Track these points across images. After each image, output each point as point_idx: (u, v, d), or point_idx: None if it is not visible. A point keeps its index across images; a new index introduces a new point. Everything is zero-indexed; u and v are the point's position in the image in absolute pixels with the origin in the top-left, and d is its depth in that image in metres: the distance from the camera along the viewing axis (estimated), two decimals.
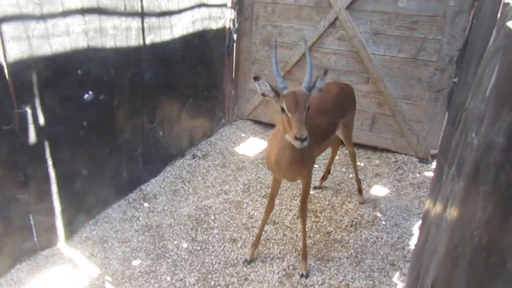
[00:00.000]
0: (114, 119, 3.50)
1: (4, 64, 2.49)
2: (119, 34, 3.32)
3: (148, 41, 3.66)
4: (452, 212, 1.36)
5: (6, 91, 2.53)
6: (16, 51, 2.54)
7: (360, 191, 3.88)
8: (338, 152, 4.79)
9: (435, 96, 4.32)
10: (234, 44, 5.18)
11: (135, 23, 3.47)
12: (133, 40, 3.49)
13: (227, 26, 4.95)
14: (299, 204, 3.08)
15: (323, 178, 4.12)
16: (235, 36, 5.08)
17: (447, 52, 4.13)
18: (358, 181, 3.87)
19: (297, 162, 2.70)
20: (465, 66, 2.81)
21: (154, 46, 3.76)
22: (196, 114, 4.75)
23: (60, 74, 2.88)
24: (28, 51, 2.62)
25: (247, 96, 5.51)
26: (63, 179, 3.09)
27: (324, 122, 3.09)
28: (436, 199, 2.40)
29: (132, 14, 3.41)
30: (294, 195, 3.96)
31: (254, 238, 3.21)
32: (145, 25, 3.58)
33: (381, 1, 4.31)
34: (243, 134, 5.31)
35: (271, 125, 5.41)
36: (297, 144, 2.34)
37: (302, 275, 3.01)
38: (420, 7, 4.15)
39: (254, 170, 4.42)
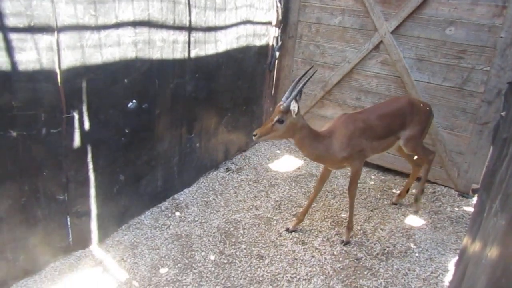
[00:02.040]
0: (155, 128, 3.60)
1: (58, 71, 2.62)
2: (166, 46, 3.43)
3: (193, 55, 3.76)
4: (495, 247, 1.31)
5: (57, 97, 2.66)
6: (70, 59, 2.67)
7: (419, 195, 3.98)
8: (373, 177, 4.73)
9: (480, 128, 4.17)
10: (276, 62, 5.22)
11: (182, 36, 3.57)
12: (179, 53, 3.59)
13: (270, 44, 5.01)
14: (348, 184, 3.55)
15: (400, 195, 4.22)
16: (277, 53, 5.13)
17: (495, 84, 3.99)
18: (423, 183, 3.97)
19: (326, 153, 3.24)
20: None
21: (198, 60, 3.86)
22: (233, 128, 4.81)
23: (108, 82, 3.01)
24: (81, 59, 2.75)
25: None
26: (101, 183, 3.20)
27: (379, 125, 3.45)
28: (475, 235, 2.30)
29: (180, 28, 3.51)
30: (325, 216, 3.91)
31: (301, 211, 3.73)
32: (192, 39, 3.68)
33: (428, 27, 4.24)
34: (278, 151, 5.31)
35: None
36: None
37: (342, 242, 3.56)
38: (469, 36, 4.04)
39: (287, 188, 4.40)
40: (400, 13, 4.32)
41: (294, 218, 3.80)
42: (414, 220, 3.95)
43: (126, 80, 3.14)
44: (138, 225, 3.62)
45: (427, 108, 3.76)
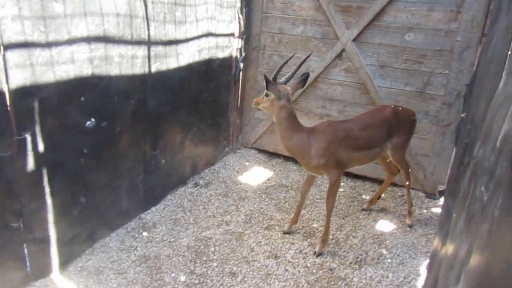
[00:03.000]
0: (116, 146, 3.46)
1: (6, 90, 2.47)
2: (125, 62, 3.32)
3: (153, 69, 3.66)
4: (472, 263, 1.27)
5: (6, 118, 2.50)
6: (19, 78, 2.53)
7: (409, 213, 3.98)
8: (343, 184, 4.72)
9: (442, 130, 4.25)
10: (241, 73, 5.18)
11: (142, 51, 3.47)
12: (139, 68, 3.49)
13: (234, 55, 4.97)
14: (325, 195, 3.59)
15: (372, 202, 4.20)
16: (241, 65, 5.09)
17: (454, 86, 4.08)
18: (409, 203, 3.98)
19: (299, 148, 3.29)
20: (473, 103, 2.75)
21: (160, 74, 3.76)
22: (200, 142, 4.71)
23: (62, 101, 2.86)
24: (31, 78, 2.60)
25: (252, 125, 5.48)
26: (60, 208, 3.03)
27: (362, 136, 3.41)
28: (445, 238, 2.30)
29: (138, 42, 3.41)
30: (297, 227, 3.85)
31: (293, 215, 3.83)
32: (152, 53, 3.59)
33: (388, 34, 4.31)
34: (247, 163, 5.25)
35: (275, 154, 5.35)
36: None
37: (315, 253, 3.51)
38: (427, 42, 4.14)
39: (257, 201, 4.33)
40: (360, 21, 4.38)
41: (265, 232, 3.74)
42: (385, 225, 3.96)
43: (82, 98, 3.01)
44: (103, 248, 3.46)
45: (412, 116, 3.74)
